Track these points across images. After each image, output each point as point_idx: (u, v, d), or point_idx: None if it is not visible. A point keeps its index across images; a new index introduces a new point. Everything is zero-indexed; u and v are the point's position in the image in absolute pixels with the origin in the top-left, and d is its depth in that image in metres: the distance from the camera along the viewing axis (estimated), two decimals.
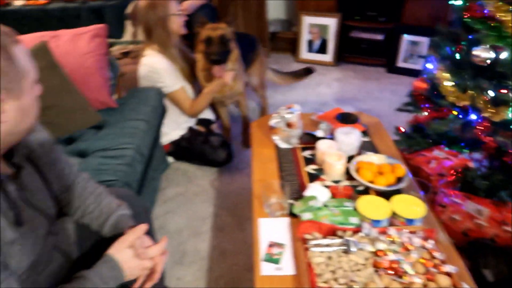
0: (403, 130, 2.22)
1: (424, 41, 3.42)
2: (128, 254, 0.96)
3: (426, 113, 2.05)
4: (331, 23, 3.64)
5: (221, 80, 2.18)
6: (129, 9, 2.86)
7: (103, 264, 0.92)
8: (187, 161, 2.38)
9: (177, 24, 2.13)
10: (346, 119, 1.73)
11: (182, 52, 2.28)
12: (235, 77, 2.25)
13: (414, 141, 2.07)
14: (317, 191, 1.42)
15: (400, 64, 3.56)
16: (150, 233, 1.21)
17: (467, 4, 1.70)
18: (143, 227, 1.04)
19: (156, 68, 2.10)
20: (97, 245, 1.12)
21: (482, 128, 1.72)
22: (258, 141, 1.87)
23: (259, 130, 1.95)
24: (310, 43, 3.81)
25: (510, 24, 1.46)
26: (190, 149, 2.29)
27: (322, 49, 3.79)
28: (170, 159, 2.36)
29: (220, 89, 2.23)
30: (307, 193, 1.43)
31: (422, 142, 2.05)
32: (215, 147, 2.22)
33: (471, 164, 1.82)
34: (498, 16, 1.49)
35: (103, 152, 1.61)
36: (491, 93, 1.66)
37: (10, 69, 0.76)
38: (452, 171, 1.80)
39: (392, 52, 3.55)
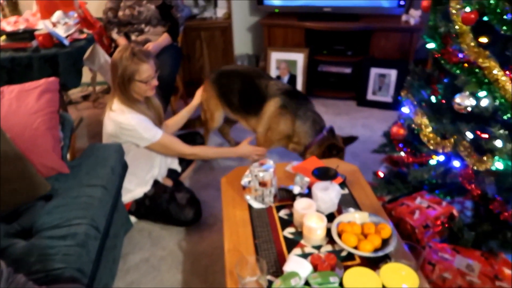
0: (381, 175, 2.12)
1: (392, 73, 3.40)
2: None
3: (404, 156, 1.96)
4: (299, 58, 3.59)
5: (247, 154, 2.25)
6: (87, 54, 2.69)
7: None
8: (151, 220, 2.17)
9: (142, 90, 1.93)
10: (324, 175, 1.60)
11: (149, 103, 2.10)
12: None
13: (393, 187, 1.96)
14: (297, 265, 1.27)
15: (370, 97, 3.53)
16: None
17: (441, 48, 1.63)
18: None
19: (129, 125, 1.91)
20: None
21: (466, 175, 1.63)
22: (229, 201, 1.70)
23: (230, 188, 1.79)
24: (278, 78, 3.73)
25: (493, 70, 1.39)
26: (153, 208, 2.09)
27: (291, 84, 3.72)
28: (133, 218, 2.15)
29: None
30: (286, 267, 1.27)
31: (402, 188, 1.94)
32: (181, 205, 2.03)
33: (456, 212, 1.73)
34: (479, 62, 1.42)
35: (51, 231, 1.39)
36: (469, 135, 1.58)
37: None
38: (437, 222, 1.70)
39: (361, 85, 3.52)
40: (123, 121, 1.91)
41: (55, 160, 1.67)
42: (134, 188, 2.11)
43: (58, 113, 1.82)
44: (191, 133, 2.66)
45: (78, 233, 1.40)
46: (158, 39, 2.87)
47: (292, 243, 1.44)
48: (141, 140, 1.97)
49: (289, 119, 2.30)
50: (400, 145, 1.98)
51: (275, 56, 3.65)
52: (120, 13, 2.81)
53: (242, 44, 4.01)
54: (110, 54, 2.77)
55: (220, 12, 3.62)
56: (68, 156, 1.95)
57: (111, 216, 1.70)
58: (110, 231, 1.67)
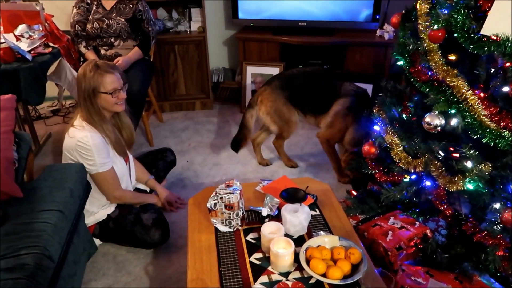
0: (355, 193, 2.08)
1: (367, 88, 3.39)
2: None
3: (377, 174, 1.92)
4: (275, 72, 3.55)
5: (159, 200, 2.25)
6: (52, 69, 2.58)
7: None
8: (116, 242, 2.06)
9: (109, 103, 1.85)
10: (293, 197, 1.54)
11: (118, 123, 2.01)
12: None
13: (367, 207, 1.92)
14: None
15: None
16: None
17: (410, 65, 1.60)
18: None
19: (87, 143, 1.80)
20: None
21: (438, 196, 1.60)
22: (195, 224, 1.63)
23: (197, 209, 1.71)
24: (255, 92, 3.69)
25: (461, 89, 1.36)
26: (118, 230, 1.98)
27: None
28: (97, 241, 2.03)
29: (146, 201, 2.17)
30: None
31: (376, 208, 1.90)
32: (147, 227, 1.93)
33: (430, 233, 1.68)
34: (447, 81, 1.39)
35: None
36: (441, 154, 1.55)
37: None
38: (411, 243, 1.65)
39: None
40: (81, 138, 1.80)
41: (7, 183, 1.56)
42: (97, 210, 2.00)
43: (13, 132, 1.71)
44: (161, 150, 2.57)
45: (28, 264, 1.30)
46: (129, 53, 2.78)
47: (259, 270, 1.36)
48: (91, 164, 1.85)
49: (349, 121, 2.42)
50: (373, 163, 1.94)
51: (251, 70, 3.61)
52: (89, 26, 2.72)
53: (217, 57, 3.96)
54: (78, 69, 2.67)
55: (195, 25, 3.56)
56: (25, 177, 1.83)
57: (69, 243, 1.59)
58: (68, 258, 1.56)
